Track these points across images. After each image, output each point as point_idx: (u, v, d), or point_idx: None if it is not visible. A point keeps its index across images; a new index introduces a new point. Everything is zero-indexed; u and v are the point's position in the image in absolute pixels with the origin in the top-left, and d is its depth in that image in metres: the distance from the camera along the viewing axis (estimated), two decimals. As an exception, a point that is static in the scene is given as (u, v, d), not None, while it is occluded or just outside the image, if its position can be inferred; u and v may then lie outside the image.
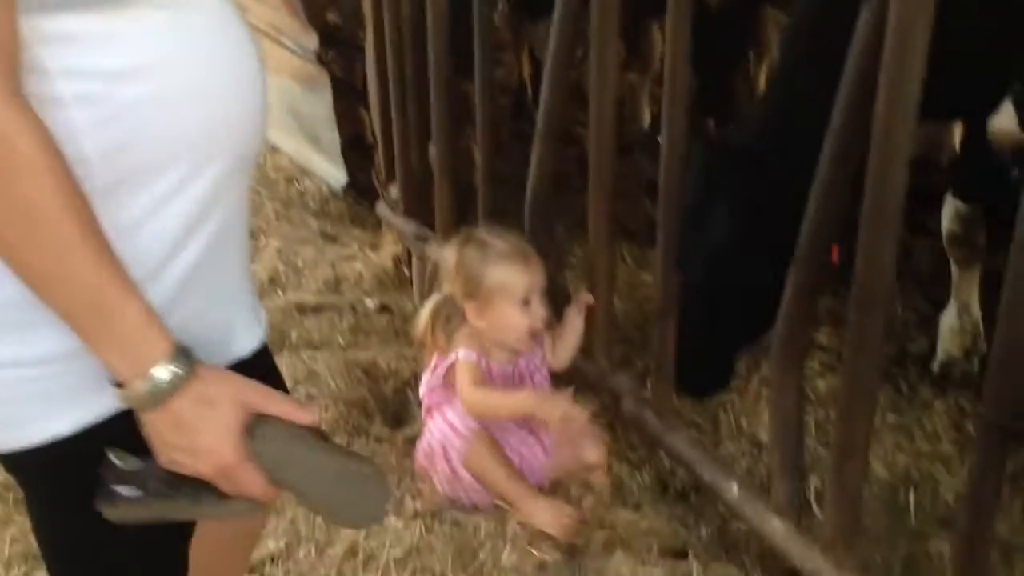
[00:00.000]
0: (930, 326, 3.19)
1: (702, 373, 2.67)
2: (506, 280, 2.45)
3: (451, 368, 2.54)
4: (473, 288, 2.47)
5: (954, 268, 3.06)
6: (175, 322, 1.20)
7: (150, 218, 1.21)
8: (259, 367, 1.42)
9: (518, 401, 2.49)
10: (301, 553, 2.45)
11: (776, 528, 2.21)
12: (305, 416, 1.26)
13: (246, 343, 1.44)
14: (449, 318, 2.56)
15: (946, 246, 3.03)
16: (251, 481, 1.22)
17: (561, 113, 2.82)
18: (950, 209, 2.95)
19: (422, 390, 2.67)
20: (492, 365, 2.54)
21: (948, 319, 3.09)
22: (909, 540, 2.51)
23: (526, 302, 2.46)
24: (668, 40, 2.21)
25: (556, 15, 2.56)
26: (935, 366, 3.08)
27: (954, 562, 1.88)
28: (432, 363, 2.63)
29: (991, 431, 1.72)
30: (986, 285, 3.02)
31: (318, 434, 1.28)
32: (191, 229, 1.25)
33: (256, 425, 1.21)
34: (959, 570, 1.85)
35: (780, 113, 2.53)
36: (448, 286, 2.54)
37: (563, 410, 2.41)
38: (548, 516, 2.47)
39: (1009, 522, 2.50)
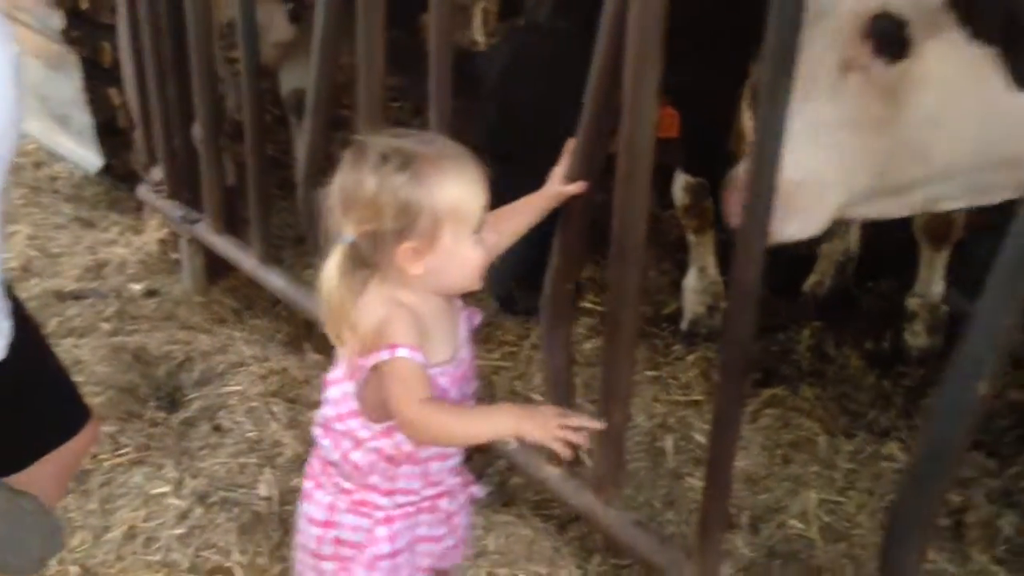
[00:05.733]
0: (680, 289, 3.48)
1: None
2: (459, 203, 1.64)
3: (375, 369, 1.66)
4: (409, 223, 1.62)
5: (690, 235, 3.36)
6: None
7: None
8: None
9: (494, 423, 1.68)
10: (76, 540, 2.37)
11: (550, 476, 2.37)
12: None
13: None
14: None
15: (680, 216, 3.33)
16: None
17: (329, 93, 2.85)
18: (680, 182, 3.25)
19: (330, 397, 1.78)
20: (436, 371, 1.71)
21: (690, 281, 3.40)
22: (668, 479, 2.76)
23: (479, 228, 1.69)
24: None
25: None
26: (684, 324, 3.38)
27: (705, 490, 2.10)
28: (349, 356, 1.72)
29: (728, 367, 1.94)
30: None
31: None
32: None
33: None
34: (707, 496, 2.07)
35: None
36: (359, 225, 1.64)
37: (557, 429, 1.64)
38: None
39: (751, 457, 2.80)
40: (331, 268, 1.66)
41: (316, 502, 1.83)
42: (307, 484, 1.87)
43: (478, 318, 1.86)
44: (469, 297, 1.83)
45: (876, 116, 1.85)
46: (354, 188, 1.63)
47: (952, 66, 1.81)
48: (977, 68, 1.79)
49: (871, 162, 1.90)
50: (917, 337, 3.25)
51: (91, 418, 1.77)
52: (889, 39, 1.79)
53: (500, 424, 1.67)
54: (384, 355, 1.62)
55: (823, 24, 1.80)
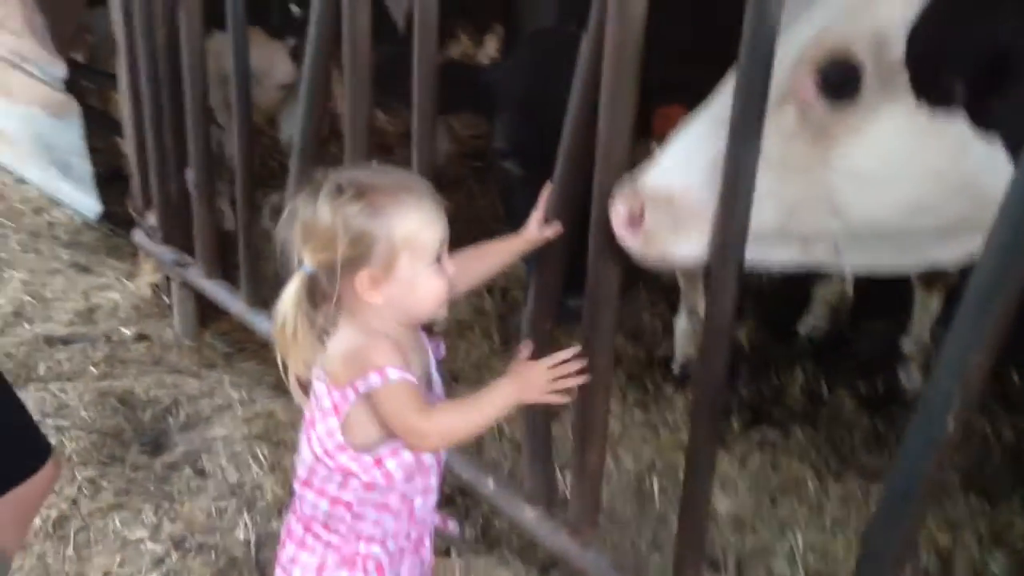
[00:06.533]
0: (673, 332, 3.46)
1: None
2: (415, 233, 1.66)
3: (362, 399, 1.67)
4: (364, 251, 1.64)
5: (680, 276, 3.34)
6: None
7: None
8: None
9: (497, 402, 1.72)
10: (51, 586, 2.35)
11: (528, 516, 2.34)
12: None
13: None
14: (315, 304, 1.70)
15: None
16: None
17: (316, 136, 2.88)
18: None
19: (311, 450, 1.74)
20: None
21: (681, 323, 3.37)
22: (654, 522, 2.71)
23: (438, 258, 1.71)
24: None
25: (311, 32, 2.64)
26: (675, 366, 3.35)
27: (679, 531, 2.06)
28: (318, 400, 1.73)
29: (701, 406, 1.92)
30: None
31: None
32: None
33: None
34: (681, 536, 2.03)
35: None
36: (315, 255, 1.66)
37: (548, 383, 1.76)
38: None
39: (738, 500, 2.75)
40: (288, 294, 1.67)
41: (303, 564, 1.79)
42: (290, 548, 1.83)
43: (443, 348, 1.87)
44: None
45: (801, 156, 1.73)
46: (311, 219, 1.64)
47: (894, 124, 1.69)
48: (919, 131, 1.68)
49: (780, 203, 1.76)
50: (911, 378, 3.21)
51: (51, 456, 1.76)
52: (840, 80, 1.68)
53: (502, 400, 1.72)
54: (375, 381, 1.63)
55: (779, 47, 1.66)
